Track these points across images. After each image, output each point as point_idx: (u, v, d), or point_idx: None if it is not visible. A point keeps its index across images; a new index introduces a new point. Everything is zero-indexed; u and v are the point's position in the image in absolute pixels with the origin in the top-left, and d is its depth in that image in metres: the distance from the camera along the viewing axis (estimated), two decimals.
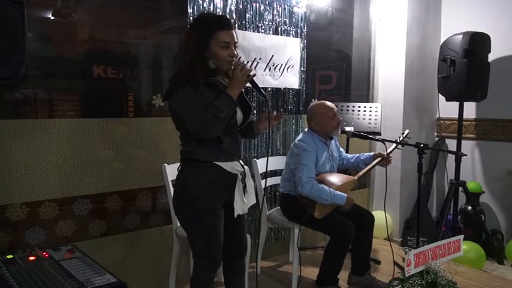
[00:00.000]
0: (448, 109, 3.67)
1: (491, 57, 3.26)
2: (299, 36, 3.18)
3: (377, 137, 2.78)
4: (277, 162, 2.93)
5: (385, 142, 2.62)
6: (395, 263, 2.52)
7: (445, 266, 1.72)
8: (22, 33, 1.65)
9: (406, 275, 1.66)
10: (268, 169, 2.32)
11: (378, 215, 3.10)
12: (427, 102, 3.82)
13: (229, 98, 1.69)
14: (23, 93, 2.14)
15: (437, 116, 3.88)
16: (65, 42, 2.27)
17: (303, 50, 3.21)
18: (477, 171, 3.66)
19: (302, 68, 3.22)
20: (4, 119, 2.06)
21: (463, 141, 3.38)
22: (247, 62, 2.85)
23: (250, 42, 2.87)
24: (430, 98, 3.81)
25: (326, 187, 2.40)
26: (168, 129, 2.48)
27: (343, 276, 2.63)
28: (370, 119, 3.12)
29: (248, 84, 1.78)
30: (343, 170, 2.86)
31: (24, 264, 1.71)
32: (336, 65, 3.64)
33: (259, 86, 1.84)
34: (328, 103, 2.60)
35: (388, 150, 2.66)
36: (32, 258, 1.77)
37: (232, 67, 1.76)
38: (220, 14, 2.67)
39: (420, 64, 3.71)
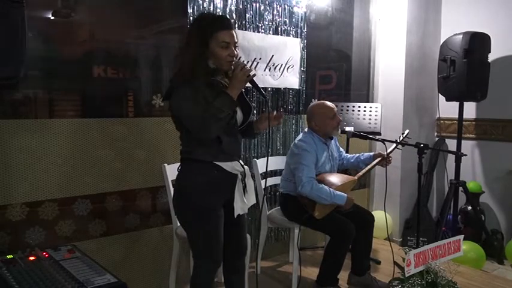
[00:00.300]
0: (448, 109, 3.67)
1: (491, 57, 3.26)
2: (299, 36, 3.18)
3: (377, 137, 2.78)
4: (277, 162, 2.93)
5: (385, 142, 2.63)
6: (395, 263, 2.51)
7: (445, 266, 1.72)
8: (22, 33, 1.65)
9: (406, 275, 1.66)
10: (268, 169, 2.32)
11: (378, 215, 3.10)
12: (427, 102, 3.82)
13: (229, 98, 1.69)
14: (24, 93, 2.15)
15: (437, 116, 3.88)
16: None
17: (303, 50, 3.21)
18: (477, 171, 3.66)
19: (302, 68, 3.22)
20: (4, 119, 2.06)
21: (463, 141, 3.38)
22: (247, 62, 2.85)
23: (250, 42, 2.87)
24: (430, 98, 3.81)
25: (326, 187, 2.40)
26: (168, 129, 2.48)
27: (343, 276, 2.63)
28: (370, 119, 3.12)
29: (248, 84, 1.78)
30: (343, 170, 2.86)
31: (24, 264, 1.71)
32: (336, 65, 3.65)
33: (259, 86, 1.84)
34: (328, 103, 2.60)
35: (388, 150, 2.66)
36: (32, 258, 1.77)
37: (232, 67, 1.76)
38: (220, 14, 2.67)
39: (420, 64, 3.71)
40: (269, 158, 2.58)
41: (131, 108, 2.48)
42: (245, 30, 2.85)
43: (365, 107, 3.18)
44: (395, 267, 2.51)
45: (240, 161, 1.88)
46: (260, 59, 2.94)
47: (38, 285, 1.54)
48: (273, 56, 3.01)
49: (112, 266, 2.05)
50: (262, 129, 1.93)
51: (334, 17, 3.53)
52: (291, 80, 3.16)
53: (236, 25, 2.78)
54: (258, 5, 2.91)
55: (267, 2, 2.96)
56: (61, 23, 2.25)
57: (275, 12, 3.03)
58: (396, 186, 3.66)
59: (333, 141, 2.70)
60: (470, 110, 3.57)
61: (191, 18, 2.58)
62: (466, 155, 3.16)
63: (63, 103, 2.32)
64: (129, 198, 2.48)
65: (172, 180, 2.27)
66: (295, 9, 3.14)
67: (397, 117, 3.64)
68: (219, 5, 2.71)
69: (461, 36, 3.18)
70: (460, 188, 3.37)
